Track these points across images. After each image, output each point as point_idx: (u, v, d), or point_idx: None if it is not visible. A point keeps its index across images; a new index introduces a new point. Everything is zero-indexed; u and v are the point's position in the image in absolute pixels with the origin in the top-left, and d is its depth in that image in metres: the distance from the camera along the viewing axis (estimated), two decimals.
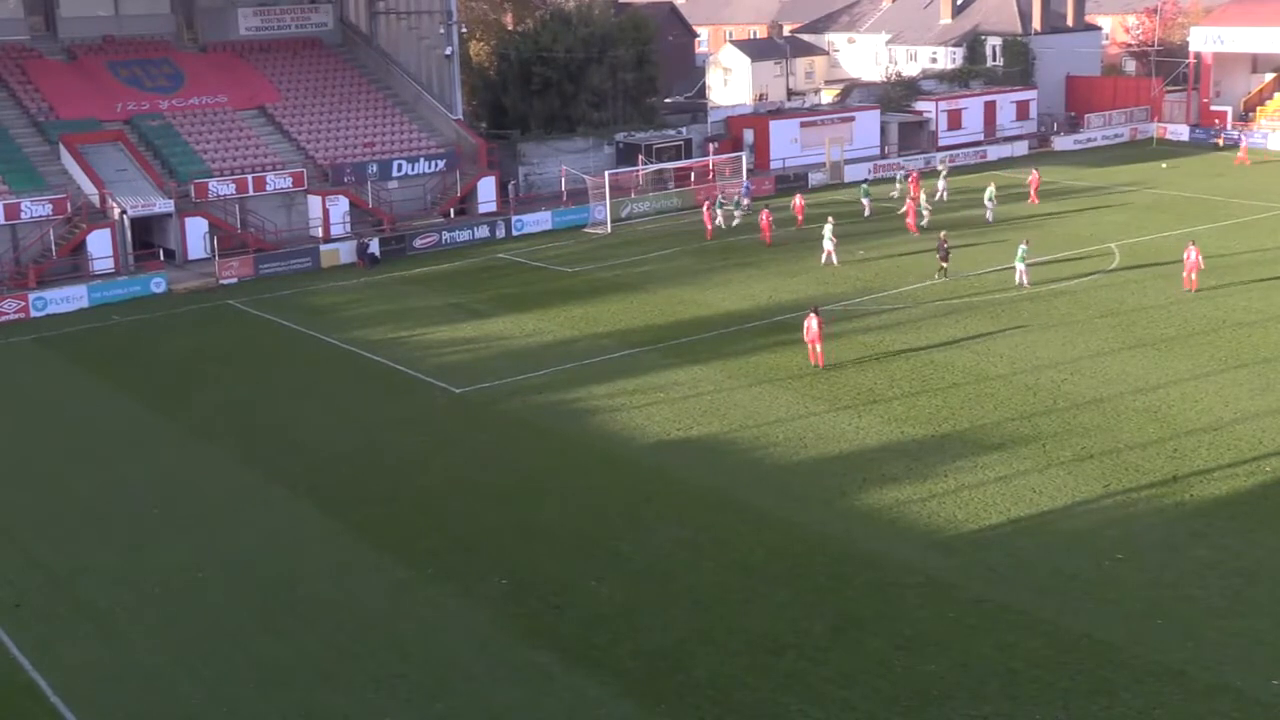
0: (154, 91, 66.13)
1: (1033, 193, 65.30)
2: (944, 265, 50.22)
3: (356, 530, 29.73)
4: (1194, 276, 46.74)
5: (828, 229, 53.39)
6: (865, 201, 63.54)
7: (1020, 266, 48.09)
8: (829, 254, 52.90)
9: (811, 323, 39.87)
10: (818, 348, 39.79)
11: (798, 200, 62.68)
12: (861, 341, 42.47)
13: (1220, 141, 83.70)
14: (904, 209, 60.41)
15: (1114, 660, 22.61)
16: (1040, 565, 26.34)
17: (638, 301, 49.06)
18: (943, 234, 52.51)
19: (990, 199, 60.79)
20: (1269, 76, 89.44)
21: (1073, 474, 30.92)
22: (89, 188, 58.21)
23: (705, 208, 61.69)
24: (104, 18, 68.99)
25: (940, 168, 70.53)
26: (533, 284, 53.96)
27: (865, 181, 69.44)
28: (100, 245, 56.36)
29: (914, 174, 68.32)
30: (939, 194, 65.67)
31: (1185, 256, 47.37)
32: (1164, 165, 76.02)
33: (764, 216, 59.15)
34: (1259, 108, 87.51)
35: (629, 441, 34.59)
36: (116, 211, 57.35)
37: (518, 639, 24.42)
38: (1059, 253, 53.31)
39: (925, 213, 60.30)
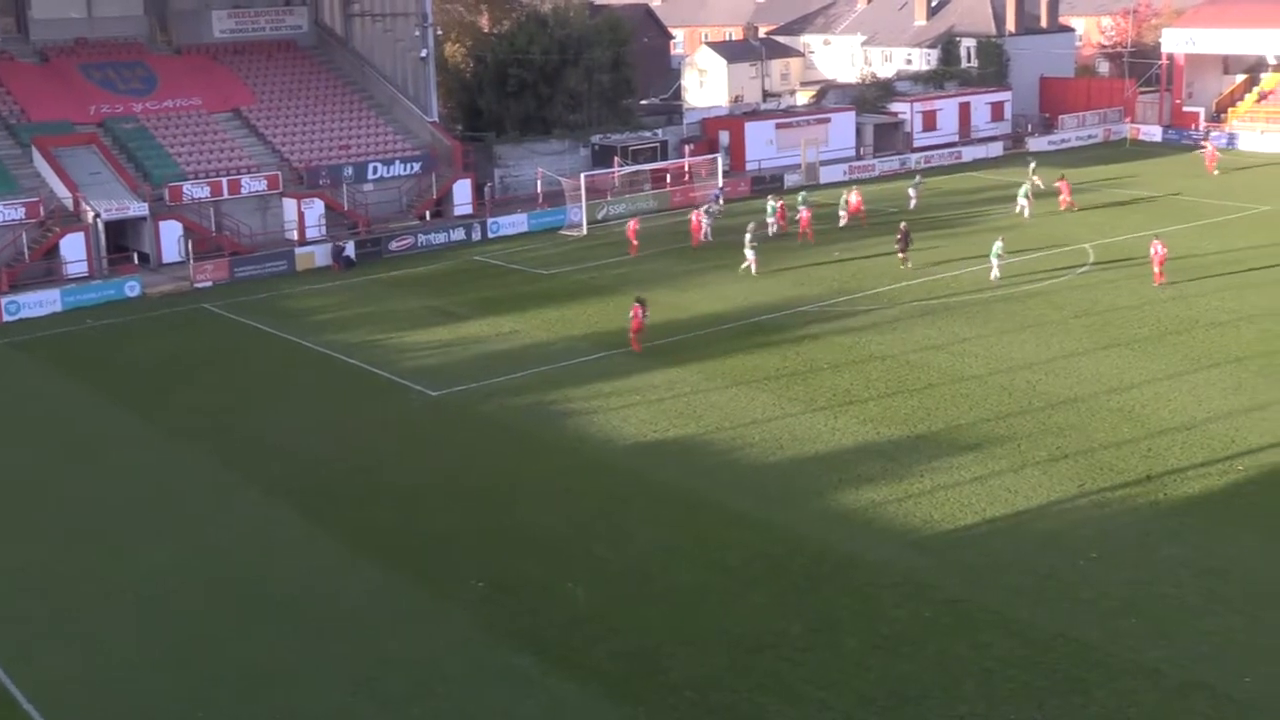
0: (127, 94, 65.83)
1: (1066, 196, 63.27)
2: (902, 255, 51.40)
3: (334, 533, 29.67)
4: (1160, 270, 47.26)
5: (747, 237, 52.92)
6: (802, 209, 62.35)
7: (995, 262, 48.63)
8: (753, 262, 52.17)
9: (637, 311, 41.86)
10: (636, 334, 42.13)
11: (779, 205, 62.12)
12: (837, 342, 42.60)
13: (1209, 145, 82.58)
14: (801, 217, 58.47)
15: (1089, 659, 22.75)
16: (1016, 565, 26.47)
17: (614, 304, 49.00)
18: (903, 225, 53.19)
19: (1025, 195, 61.53)
20: (1240, 78, 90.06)
21: (1048, 474, 31.08)
22: (62, 191, 57.92)
23: (632, 224, 59.56)
24: (76, 20, 68.52)
25: (916, 176, 70.27)
26: (509, 286, 53.92)
27: (805, 189, 68.74)
28: (74, 249, 56.04)
29: (856, 190, 66.21)
30: (910, 202, 65.23)
31: (1151, 252, 47.85)
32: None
33: (695, 218, 59.62)
34: (1230, 109, 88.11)
35: (606, 443, 34.62)
36: (90, 215, 57.06)
37: (496, 641, 24.42)
38: (1033, 253, 53.55)
39: (842, 215, 60.81)
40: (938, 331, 43.25)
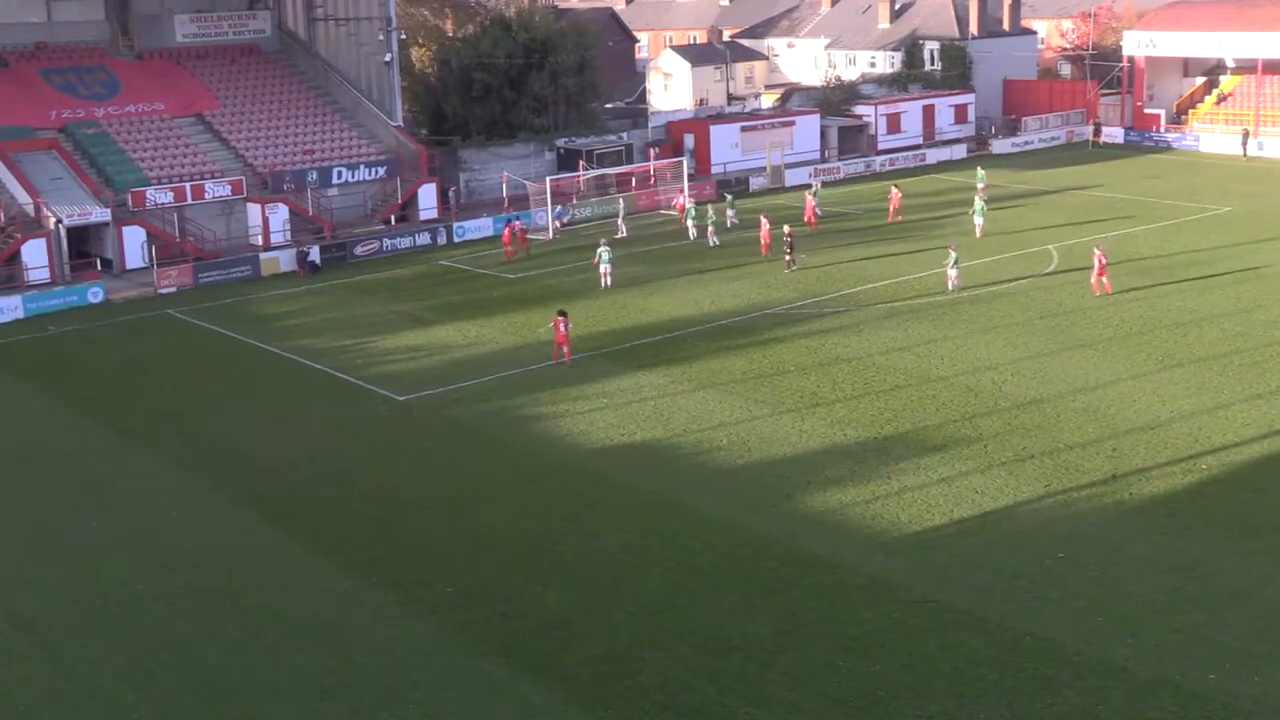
0: (89, 99, 65.34)
1: (895, 207, 63.30)
2: (789, 258, 52.77)
3: (300, 539, 29.52)
4: (1104, 280, 46.88)
5: (604, 251, 52.32)
6: (720, 214, 61.90)
7: (951, 273, 48.41)
8: (605, 274, 51.85)
9: (560, 325, 41.67)
10: (564, 347, 41.76)
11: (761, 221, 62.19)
12: (804, 345, 42.70)
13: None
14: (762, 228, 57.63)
15: (1057, 658, 22.86)
16: (983, 565, 26.57)
17: (580, 307, 48.89)
18: (787, 228, 54.21)
19: (980, 213, 58.11)
20: (1200, 80, 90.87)
21: (1014, 474, 31.23)
22: (23, 197, 57.41)
23: (508, 230, 60.31)
24: (36, 24, 67.90)
25: (812, 183, 70.06)
26: (475, 290, 53.81)
27: (694, 203, 67.58)
28: (35, 255, 55.57)
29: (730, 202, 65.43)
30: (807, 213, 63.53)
31: (1096, 262, 47.51)
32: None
33: (505, 231, 60.26)
34: (1190, 111, 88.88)
35: (573, 447, 34.57)
36: (52, 221, 56.60)
37: (464, 646, 24.33)
38: (998, 255, 53.81)
39: (713, 229, 59.37)
40: (903, 334, 43.40)
